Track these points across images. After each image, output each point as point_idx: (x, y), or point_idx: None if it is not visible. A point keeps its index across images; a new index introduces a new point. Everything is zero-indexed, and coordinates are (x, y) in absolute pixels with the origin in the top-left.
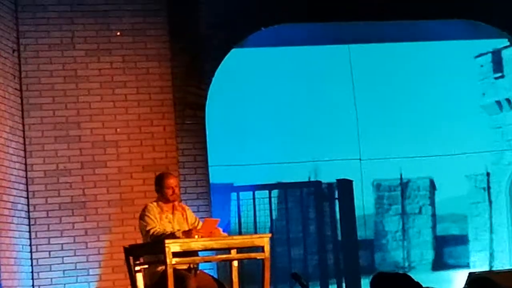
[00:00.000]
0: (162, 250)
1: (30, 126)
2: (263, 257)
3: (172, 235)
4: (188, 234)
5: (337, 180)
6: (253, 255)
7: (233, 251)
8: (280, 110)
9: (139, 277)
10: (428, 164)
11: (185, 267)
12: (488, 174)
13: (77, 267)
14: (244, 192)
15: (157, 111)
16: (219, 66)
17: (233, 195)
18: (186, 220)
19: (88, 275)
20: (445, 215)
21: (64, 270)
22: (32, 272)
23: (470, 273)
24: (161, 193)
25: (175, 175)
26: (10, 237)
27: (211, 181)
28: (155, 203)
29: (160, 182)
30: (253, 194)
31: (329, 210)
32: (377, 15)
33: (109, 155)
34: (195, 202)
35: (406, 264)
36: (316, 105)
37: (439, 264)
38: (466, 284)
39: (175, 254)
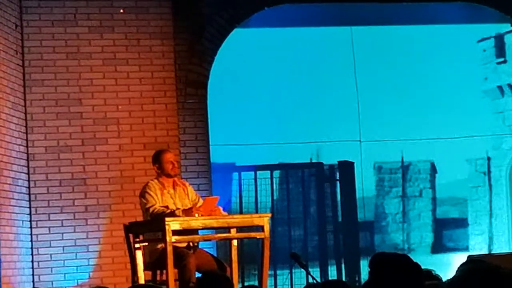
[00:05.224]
0: (161, 228)
1: (32, 102)
2: (262, 237)
3: (172, 214)
4: (188, 212)
5: (339, 161)
6: (252, 234)
7: (233, 230)
8: (282, 91)
9: (139, 255)
10: (429, 147)
11: (184, 245)
12: (488, 159)
13: (77, 244)
14: (246, 172)
15: (159, 89)
16: (222, 45)
17: (235, 175)
18: (187, 196)
19: (87, 251)
20: (445, 198)
21: (63, 247)
22: (31, 248)
23: (469, 256)
24: (161, 169)
25: (172, 151)
26: (10, 212)
27: (213, 160)
28: (156, 180)
29: (158, 158)
30: (255, 174)
31: (330, 192)
32: None
33: (110, 132)
34: (195, 180)
35: (406, 246)
36: (318, 86)
37: (439, 246)
38: (460, 266)
39: (175, 232)
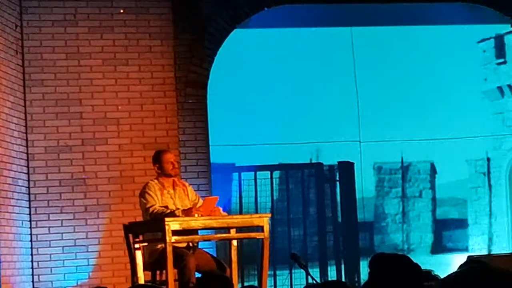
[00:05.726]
0: (161, 228)
1: (32, 102)
2: (262, 237)
3: (172, 214)
4: (188, 212)
5: (338, 162)
6: (252, 234)
7: (233, 231)
8: (282, 91)
9: (138, 255)
10: (429, 148)
11: (184, 245)
12: (488, 159)
13: (77, 244)
14: (246, 173)
15: (158, 89)
16: (222, 45)
17: (235, 175)
18: (187, 196)
19: (87, 251)
20: (445, 199)
21: (63, 247)
22: (31, 247)
23: (469, 257)
24: (161, 169)
25: (172, 152)
26: (10, 212)
27: (213, 161)
28: (156, 180)
29: (158, 159)
30: (255, 175)
31: (329, 192)
32: None
33: (110, 132)
34: (195, 180)
35: (405, 247)
36: (318, 86)
37: (438, 247)
38: (460, 267)
39: (175, 232)
